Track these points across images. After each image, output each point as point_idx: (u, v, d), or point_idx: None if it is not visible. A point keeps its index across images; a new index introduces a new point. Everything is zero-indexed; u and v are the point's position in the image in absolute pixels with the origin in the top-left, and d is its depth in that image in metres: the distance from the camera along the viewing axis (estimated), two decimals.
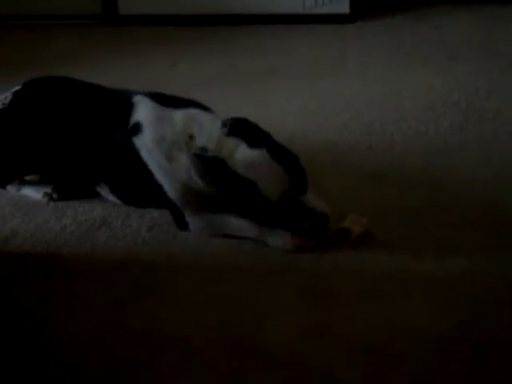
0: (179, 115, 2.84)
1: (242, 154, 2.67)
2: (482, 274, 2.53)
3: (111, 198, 3.03)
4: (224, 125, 2.73)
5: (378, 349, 2.20)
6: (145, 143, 2.83)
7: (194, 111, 2.87)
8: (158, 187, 2.82)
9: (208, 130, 2.76)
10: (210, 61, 4.80)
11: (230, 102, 3.94)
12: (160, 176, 2.81)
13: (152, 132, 2.83)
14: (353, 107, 3.95)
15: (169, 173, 2.79)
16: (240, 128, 2.72)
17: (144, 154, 2.83)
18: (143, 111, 2.88)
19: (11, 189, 3.17)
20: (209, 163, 2.68)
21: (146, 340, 2.28)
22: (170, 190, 2.80)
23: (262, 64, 4.69)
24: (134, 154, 2.84)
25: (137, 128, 2.85)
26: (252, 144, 2.68)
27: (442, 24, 5.41)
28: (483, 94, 4.06)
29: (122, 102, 2.95)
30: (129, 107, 2.90)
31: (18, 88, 3.17)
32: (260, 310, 2.39)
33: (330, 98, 4.09)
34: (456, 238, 2.74)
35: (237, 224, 2.77)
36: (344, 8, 5.53)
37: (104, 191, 3.03)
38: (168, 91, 3.05)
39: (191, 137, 2.77)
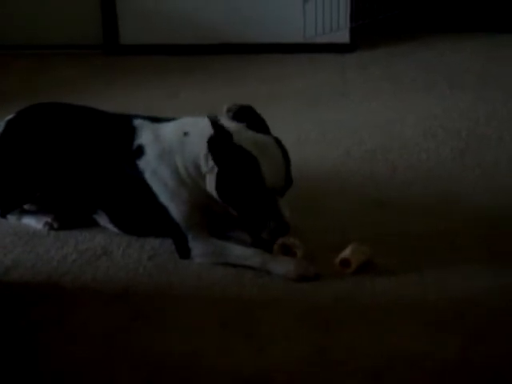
0: (172, 124, 2.89)
1: (249, 133, 2.67)
2: (483, 299, 2.52)
3: (109, 226, 3.02)
4: (229, 110, 2.72)
5: (377, 375, 2.19)
6: (148, 163, 2.83)
7: (185, 118, 2.90)
8: (162, 211, 2.81)
9: (204, 123, 2.71)
10: (212, 90, 4.81)
11: None
12: (165, 197, 2.80)
13: (154, 150, 2.83)
14: (354, 135, 3.95)
15: (174, 193, 2.79)
16: (245, 114, 2.72)
17: (148, 176, 2.82)
18: (145, 134, 2.88)
19: (12, 218, 3.17)
20: (218, 130, 2.63)
21: (145, 367, 2.26)
22: (175, 210, 2.79)
23: (263, 92, 4.70)
24: (138, 178, 2.84)
25: (140, 150, 2.86)
26: (257, 130, 2.68)
27: (443, 52, 5.44)
28: (484, 122, 4.07)
29: (123, 126, 2.96)
30: (131, 131, 2.91)
31: (11, 116, 3.16)
32: (260, 338, 2.38)
33: (331, 126, 4.10)
34: (457, 264, 2.73)
35: (240, 251, 2.76)
36: (344, 38, 5.56)
37: (102, 220, 3.02)
38: None
39: (186, 133, 2.78)
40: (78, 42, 5.73)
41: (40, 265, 2.85)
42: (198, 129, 2.75)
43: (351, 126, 4.09)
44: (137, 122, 2.94)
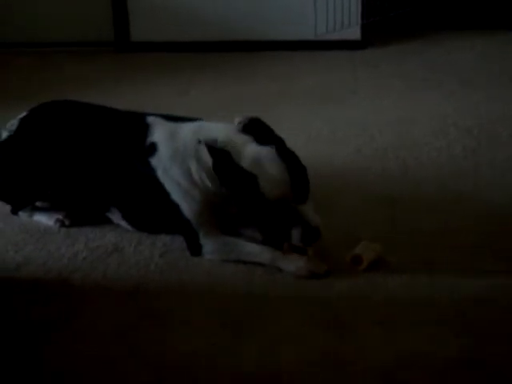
0: (188, 126, 2.87)
1: (251, 149, 2.67)
2: (493, 299, 2.51)
3: (122, 223, 3.02)
4: (239, 122, 2.73)
5: (385, 375, 2.19)
6: (161, 161, 2.83)
7: (202, 122, 2.90)
8: (174, 208, 2.81)
9: (215, 132, 2.74)
10: (222, 87, 4.81)
11: None
12: (177, 195, 2.80)
13: (167, 149, 2.83)
14: (365, 133, 3.95)
15: (186, 192, 2.79)
16: (254, 126, 2.72)
17: (160, 174, 2.82)
18: (158, 131, 2.88)
19: (23, 215, 3.17)
20: (215, 153, 2.66)
21: (155, 365, 2.27)
22: (187, 209, 2.80)
23: (274, 90, 4.70)
24: (150, 175, 2.84)
25: (153, 148, 2.86)
26: (262, 142, 2.68)
27: (453, 50, 5.43)
28: (495, 119, 4.06)
29: (136, 123, 2.96)
30: (144, 128, 2.91)
31: (24, 114, 3.17)
32: (271, 337, 2.38)
33: (342, 124, 4.10)
34: (469, 263, 2.72)
35: (251, 248, 2.76)
36: (355, 35, 5.55)
37: (115, 217, 3.03)
38: None
39: (200, 141, 2.77)
40: (89, 40, 5.73)
41: (51, 262, 2.85)
42: (213, 135, 2.74)
43: (362, 123, 4.08)
44: (150, 120, 2.94)
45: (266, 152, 2.65)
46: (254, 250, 2.75)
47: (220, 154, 2.65)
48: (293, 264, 2.68)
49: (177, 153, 2.81)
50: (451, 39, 5.68)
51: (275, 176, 2.61)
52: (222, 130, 2.76)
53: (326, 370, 2.22)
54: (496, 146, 3.73)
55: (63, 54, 5.61)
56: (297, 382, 2.19)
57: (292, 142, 3.75)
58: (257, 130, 2.72)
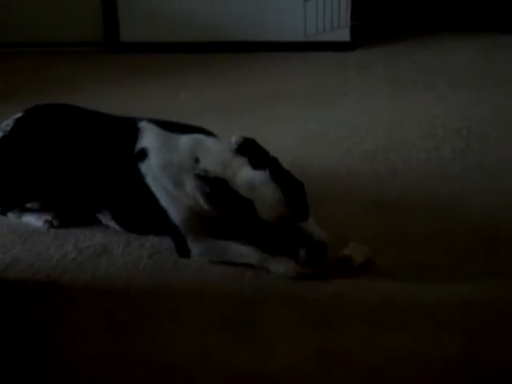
0: (185, 140, 2.85)
1: (245, 174, 2.67)
2: (482, 300, 2.52)
3: (112, 224, 3.02)
4: (235, 142, 2.74)
5: (378, 375, 2.19)
6: (151, 169, 2.82)
7: (199, 136, 2.88)
8: (162, 213, 2.81)
9: (213, 152, 2.76)
10: (213, 88, 4.81)
11: (232, 129, 3.93)
12: (165, 201, 2.80)
13: (158, 157, 2.83)
14: (355, 134, 3.95)
15: (175, 198, 2.79)
16: (248, 148, 2.73)
17: (149, 180, 2.82)
18: (149, 137, 2.88)
19: (12, 216, 3.17)
20: (210, 183, 2.67)
21: (145, 366, 2.26)
22: (175, 215, 2.80)
23: (264, 91, 4.70)
24: (139, 180, 2.83)
25: (143, 154, 2.85)
26: (256, 165, 2.68)
27: (444, 52, 5.44)
28: (485, 121, 4.06)
29: (128, 128, 2.95)
30: (135, 133, 2.90)
31: (19, 115, 3.16)
32: (260, 337, 2.38)
33: (331, 125, 4.10)
34: (457, 265, 2.72)
35: (239, 250, 2.76)
36: (345, 36, 5.57)
37: (105, 218, 3.02)
38: (170, 119, 3.05)
39: (196, 160, 2.77)
40: (78, 40, 5.72)
41: (39, 263, 2.84)
42: (210, 158, 2.75)
43: (352, 125, 4.09)
44: (142, 125, 2.93)
45: (259, 176, 2.66)
46: (242, 252, 2.75)
47: (216, 184, 2.67)
48: (282, 265, 2.68)
49: (170, 163, 2.80)
50: (441, 41, 5.70)
51: (270, 198, 2.62)
52: (219, 151, 2.76)
53: (318, 369, 2.22)
54: (485, 147, 3.74)
55: (52, 54, 5.60)
56: (288, 381, 2.19)
57: (284, 143, 3.79)
58: (251, 151, 2.72)
